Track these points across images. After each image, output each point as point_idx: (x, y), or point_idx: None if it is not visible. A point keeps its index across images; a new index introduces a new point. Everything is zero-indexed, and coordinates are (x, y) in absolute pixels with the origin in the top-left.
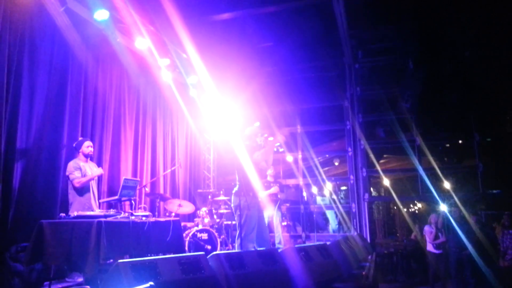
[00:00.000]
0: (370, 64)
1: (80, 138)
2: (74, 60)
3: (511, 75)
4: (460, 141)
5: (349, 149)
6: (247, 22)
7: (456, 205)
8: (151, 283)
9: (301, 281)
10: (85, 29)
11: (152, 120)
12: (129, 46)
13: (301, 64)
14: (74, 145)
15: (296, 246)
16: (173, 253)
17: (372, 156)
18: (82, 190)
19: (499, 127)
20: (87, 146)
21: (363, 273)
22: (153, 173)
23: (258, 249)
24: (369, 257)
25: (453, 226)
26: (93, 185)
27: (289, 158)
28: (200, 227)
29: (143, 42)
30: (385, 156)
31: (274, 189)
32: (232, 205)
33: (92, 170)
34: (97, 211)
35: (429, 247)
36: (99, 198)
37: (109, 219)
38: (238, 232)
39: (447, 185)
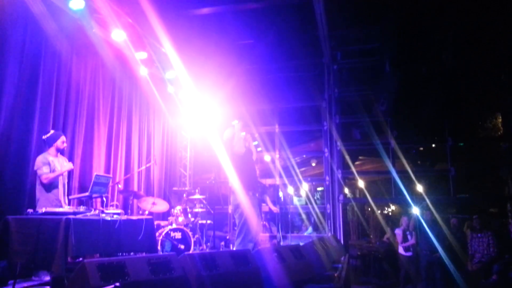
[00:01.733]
0: (348, 65)
1: (51, 131)
2: (47, 50)
3: (487, 80)
4: (433, 145)
5: (326, 150)
6: (226, 18)
7: (428, 208)
8: (117, 284)
9: (273, 282)
10: (60, 18)
11: (127, 115)
12: (106, 38)
13: (280, 63)
14: (44, 138)
15: (269, 247)
16: (145, 253)
17: (347, 157)
18: (50, 186)
19: (472, 132)
20: (62, 142)
21: (336, 274)
22: (127, 169)
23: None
24: (342, 258)
25: (424, 229)
26: (63, 180)
27: (267, 157)
28: (174, 226)
29: (119, 34)
30: (360, 158)
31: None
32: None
33: (62, 165)
34: (66, 208)
35: (400, 250)
36: (69, 194)
37: (78, 216)
38: (238, 231)
39: (419, 188)
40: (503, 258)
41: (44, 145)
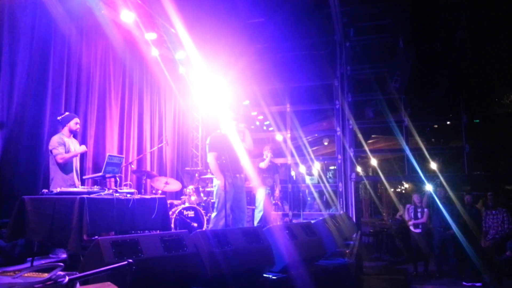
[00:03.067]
0: (361, 42)
1: (66, 113)
2: (57, 32)
3: (502, 57)
4: (448, 122)
5: (338, 129)
6: None
7: (442, 185)
8: (130, 260)
9: (284, 258)
10: (68, 0)
11: (138, 95)
12: (115, 19)
13: (291, 41)
14: (59, 118)
15: (281, 224)
16: (159, 231)
17: (360, 136)
18: (65, 166)
19: (487, 109)
20: (76, 123)
21: (347, 251)
22: (140, 150)
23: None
24: (354, 235)
25: (437, 206)
26: (76, 161)
27: (279, 137)
28: (187, 204)
29: (128, 15)
30: (373, 136)
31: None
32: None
33: (75, 146)
34: (80, 188)
35: (411, 227)
36: (83, 175)
37: (92, 195)
38: (216, 208)
39: (433, 165)
40: None
41: (58, 126)
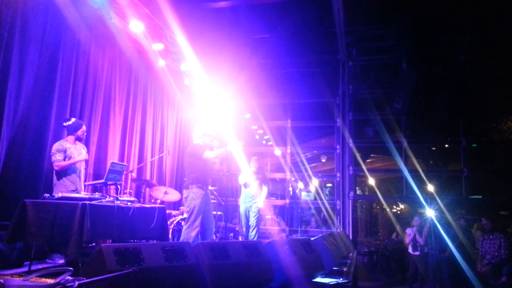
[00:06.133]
0: (363, 62)
1: (73, 119)
2: (67, 38)
3: (503, 82)
4: (446, 145)
5: (338, 147)
6: (241, 11)
7: (440, 209)
8: (135, 268)
9: (284, 273)
10: (80, 7)
11: (142, 105)
12: (124, 28)
13: (294, 58)
14: (65, 124)
15: (281, 240)
16: (157, 240)
17: (359, 155)
18: (66, 171)
19: (485, 134)
20: (83, 132)
21: (344, 269)
22: (141, 158)
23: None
24: (351, 254)
25: (437, 230)
26: (81, 166)
27: (277, 152)
28: (185, 215)
29: (137, 25)
30: (372, 155)
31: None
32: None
33: (79, 152)
34: (82, 194)
35: (409, 249)
36: (84, 181)
37: (94, 202)
38: (189, 220)
39: (430, 187)
40: None
41: (63, 132)
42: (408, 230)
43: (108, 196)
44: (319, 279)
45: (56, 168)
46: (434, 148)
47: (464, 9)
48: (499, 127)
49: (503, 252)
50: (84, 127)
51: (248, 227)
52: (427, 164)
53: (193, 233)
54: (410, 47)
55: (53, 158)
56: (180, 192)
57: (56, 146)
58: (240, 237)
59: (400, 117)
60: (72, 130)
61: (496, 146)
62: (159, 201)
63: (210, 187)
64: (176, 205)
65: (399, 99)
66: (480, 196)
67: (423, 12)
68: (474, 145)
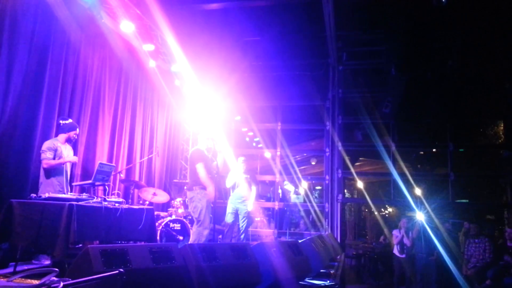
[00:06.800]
0: (353, 67)
1: (69, 120)
2: (56, 38)
3: (490, 88)
4: (434, 150)
5: (327, 150)
6: (232, 14)
7: (427, 213)
8: (121, 270)
9: (271, 275)
10: (71, 6)
11: (132, 106)
12: (114, 29)
13: (285, 61)
14: (61, 123)
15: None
16: (145, 242)
17: (348, 158)
18: (54, 171)
19: (472, 138)
20: (76, 134)
21: (332, 272)
22: (129, 159)
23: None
24: (339, 257)
25: (427, 233)
26: (68, 167)
27: (267, 154)
28: (174, 217)
29: (128, 26)
30: (360, 159)
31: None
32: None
33: (69, 153)
34: (69, 194)
35: (395, 251)
36: (72, 181)
37: (81, 203)
38: (199, 220)
39: (418, 191)
40: (497, 264)
41: (57, 130)
42: (396, 232)
43: (96, 197)
44: (307, 281)
45: (44, 166)
46: (422, 152)
47: (453, 16)
48: (486, 132)
49: (488, 256)
50: (77, 130)
51: (232, 226)
52: (415, 168)
53: (205, 232)
54: (399, 52)
55: (42, 156)
56: (169, 193)
57: (47, 144)
58: (221, 235)
59: (389, 121)
60: (66, 129)
61: (483, 151)
62: (147, 202)
63: None
64: (165, 206)
65: (388, 104)
66: (467, 200)
67: (412, 18)
68: (461, 149)
